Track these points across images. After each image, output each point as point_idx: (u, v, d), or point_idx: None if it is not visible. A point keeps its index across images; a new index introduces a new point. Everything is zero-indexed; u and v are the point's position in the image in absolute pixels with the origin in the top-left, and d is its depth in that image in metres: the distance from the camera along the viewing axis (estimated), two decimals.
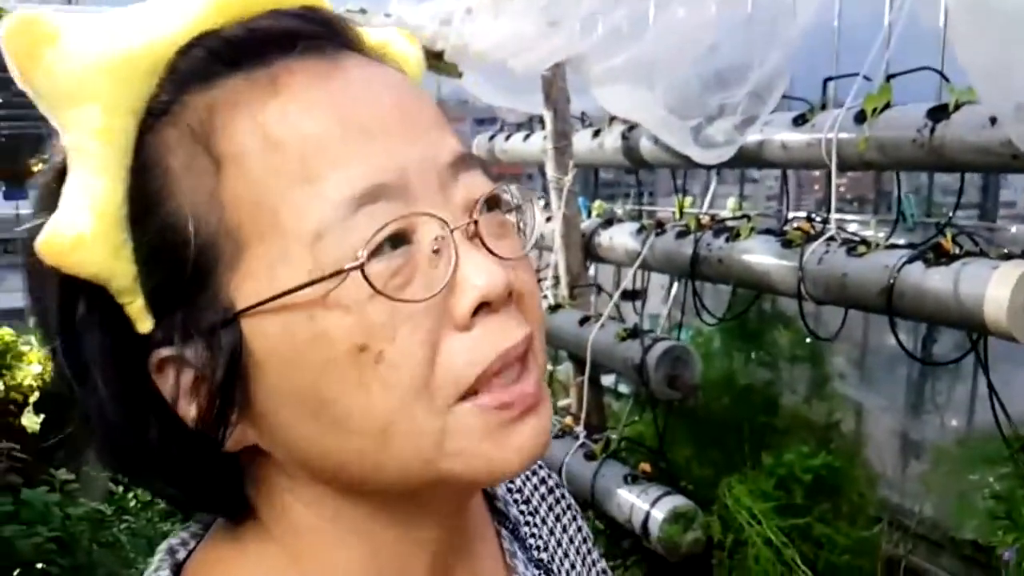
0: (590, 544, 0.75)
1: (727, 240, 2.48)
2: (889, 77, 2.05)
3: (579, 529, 0.74)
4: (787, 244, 2.21)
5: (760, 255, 2.31)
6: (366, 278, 0.44)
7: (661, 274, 3.16)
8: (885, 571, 2.22)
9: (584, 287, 3.20)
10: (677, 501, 2.45)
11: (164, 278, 0.47)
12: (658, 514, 2.44)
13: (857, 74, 2.10)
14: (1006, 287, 1.64)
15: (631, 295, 3.68)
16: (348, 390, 0.45)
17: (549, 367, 3.50)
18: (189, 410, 0.49)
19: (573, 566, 0.70)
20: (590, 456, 2.84)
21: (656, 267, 2.95)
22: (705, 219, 2.74)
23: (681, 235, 2.71)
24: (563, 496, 0.74)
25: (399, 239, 0.46)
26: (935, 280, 1.78)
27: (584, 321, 2.95)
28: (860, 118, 2.05)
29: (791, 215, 2.74)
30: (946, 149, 1.82)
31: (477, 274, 0.46)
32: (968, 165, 1.86)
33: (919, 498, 2.24)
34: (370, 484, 0.49)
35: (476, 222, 0.48)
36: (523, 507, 0.69)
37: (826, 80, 2.24)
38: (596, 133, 3.21)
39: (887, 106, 2.01)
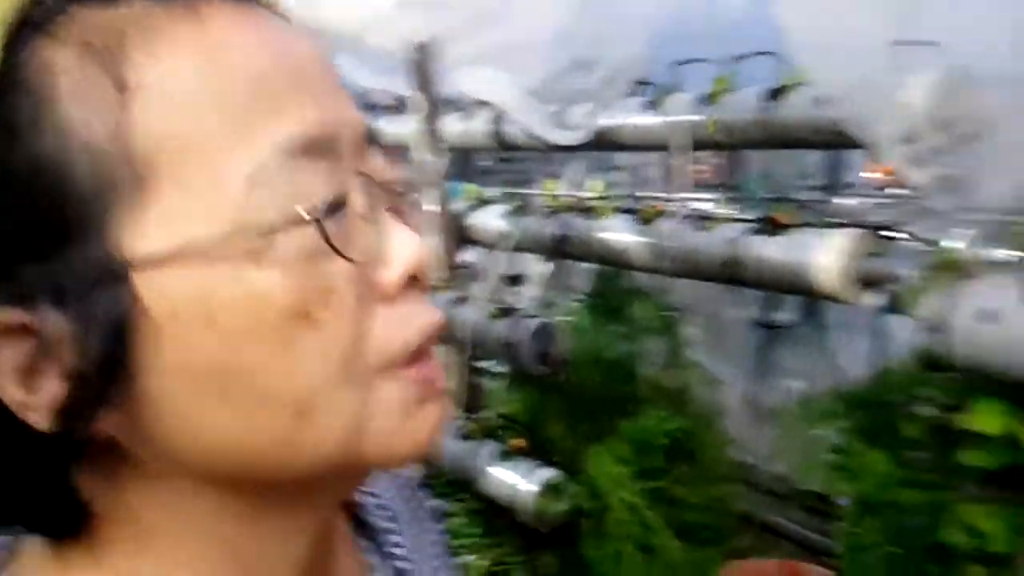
0: (447, 551, 0.72)
1: (589, 219, 2.57)
2: (737, 59, 2.17)
3: (440, 533, 0.71)
4: (642, 221, 2.32)
5: (618, 233, 2.41)
6: (324, 231, 0.40)
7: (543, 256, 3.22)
8: (742, 527, 2.37)
9: (458, 269, 3.23)
10: (547, 473, 2.53)
11: (22, 227, 0.39)
12: (529, 487, 2.52)
13: (705, 59, 2.22)
14: (835, 253, 1.79)
15: (513, 280, 3.76)
16: (271, 360, 0.40)
17: None
18: (17, 393, 0.39)
19: (436, 571, 0.66)
20: (466, 436, 2.89)
21: (526, 248, 3.02)
22: (570, 200, 2.82)
23: (547, 216, 2.79)
24: (424, 499, 0.71)
25: (335, 201, 0.42)
26: (772, 250, 1.91)
27: (458, 302, 2.98)
28: (707, 100, 2.17)
29: (655, 196, 2.87)
30: (783, 128, 1.96)
31: (406, 246, 0.44)
32: (803, 142, 2.00)
33: (768, 457, 2.42)
34: (278, 474, 0.43)
35: (399, 195, 0.46)
36: (383, 513, 0.64)
37: (674, 65, 2.35)
38: (466, 116, 3.24)
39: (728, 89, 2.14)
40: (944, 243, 1.65)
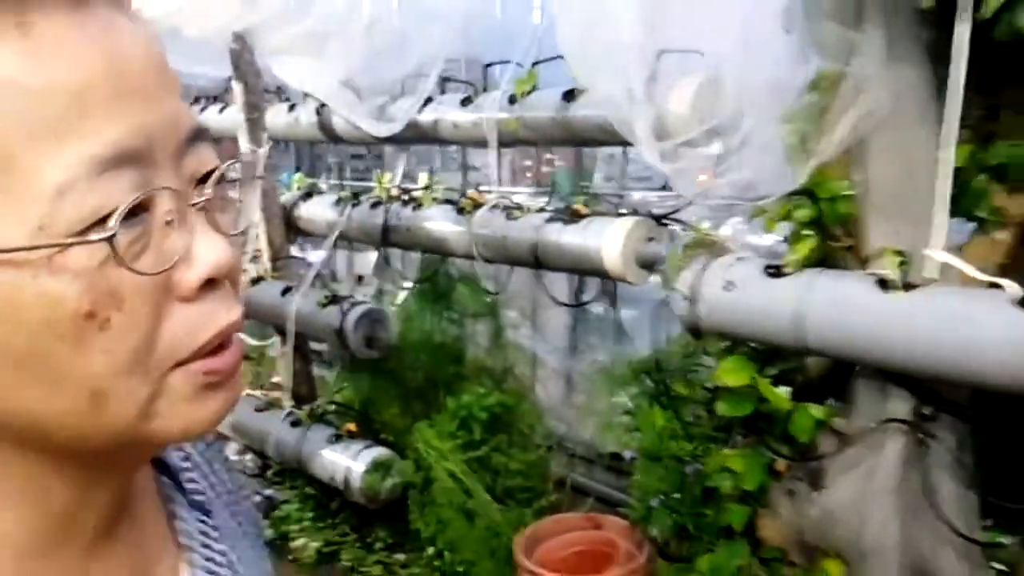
0: (242, 483, 0.78)
1: (413, 210, 2.70)
2: (535, 64, 2.36)
3: (229, 469, 0.77)
4: (460, 212, 2.48)
5: (439, 222, 2.56)
6: (114, 247, 0.43)
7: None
8: (555, 488, 2.59)
9: (286, 259, 3.27)
10: (376, 452, 2.64)
11: None
12: (359, 466, 2.63)
13: (510, 61, 2.39)
14: (618, 238, 2.02)
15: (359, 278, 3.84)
16: (67, 354, 0.44)
17: (259, 343, 3.52)
18: None
19: (230, 503, 0.73)
20: (297, 423, 2.94)
21: (354, 237, 3.11)
22: (396, 192, 2.94)
23: (375, 206, 2.89)
24: (219, 446, 0.79)
25: (138, 207, 0.44)
26: (569, 236, 2.12)
27: (287, 291, 3.03)
28: (512, 100, 2.35)
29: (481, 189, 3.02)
30: (575, 127, 2.17)
31: (208, 250, 0.47)
32: (592, 140, 2.23)
33: (577, 424, 2.65)
34: (80, 445, 0.48)
35: (209, 198, 0.48)
36: (178, 453, 0.70)
37: (486, 66, 2.52)
38: (292, 107, 3.28)
39: (535, 89, 2.33)
40: (702, 227, 1.91)
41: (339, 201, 3.10)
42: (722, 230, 2.15)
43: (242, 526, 0.73)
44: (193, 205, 0.47)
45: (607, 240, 2.01)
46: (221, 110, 3.71)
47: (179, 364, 0.47)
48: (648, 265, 2.01)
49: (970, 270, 1.30)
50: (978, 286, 1.32)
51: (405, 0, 2.13)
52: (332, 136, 3.13)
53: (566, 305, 2.65)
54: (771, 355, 1.74)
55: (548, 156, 4.21)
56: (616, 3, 1.56)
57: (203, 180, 0.49)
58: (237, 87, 3.01)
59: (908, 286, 1.35)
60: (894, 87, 1.47)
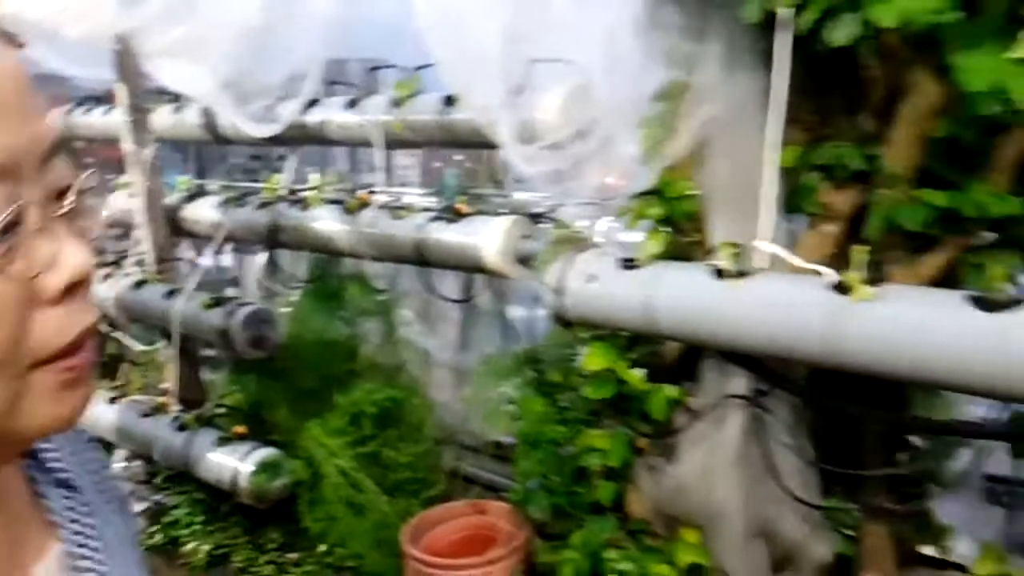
0: (103, 460, 0.82)
1: (301, 210, 2.74)
2: (419, 68, 2.44)
3: (94, 449, 0.81)
4: (347, 212, 2.53)
5: (326, 222, 2.61)
6: None
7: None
8: (447, 479, 2.67)
9: (171, 261, 3.23)
10: (264, 453, 2.66)
11: None
12: (246, 467, 2.64)
13: (394, 65, 2.47)
14: (497, 236, 2.12)
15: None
16: None
17: (147, 347, 3.46)
18: None
19: (96, 481, 0.75)
20: (183, 428, 2.92)
21: (241, 238, 3.10)
22: (284, 192, 2.96)
23: (262, 207, 2.90)
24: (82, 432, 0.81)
25: (13, 221, 0.47)
26: (451, 235, 2.22)
27: (171, 294, 3.00)
28: (397, 103, 2.43)
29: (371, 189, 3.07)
30: (456, 129, 2.26)
31: (73, 256, 0.50)
32: (472, 143, 2.33)
33: (466, 415, 2.74)
34: None
35: (70, 208, 0.52)
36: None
37: (371, 69, 2.59)
38: (178, 108, 3.24)
39: (418, 93, 2.41)
40: (580, 225, 2.04)
41: (225, 202, 3.10)
42: (599, 227, 2.30)
43: (110, 503, 0.76)
44: (56, 214, 0.51)
45: (486, 238, 2.11)
46: (107, 111, 3.63)
47: (41, 363, 0.50)
48: (526, 261, 2.12)
49: (792, 259, 1.46)
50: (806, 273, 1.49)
51: (284, 3, 2.17)
52: (219, 137, 3.12)
53: (452, 301, 2.74)
54: (632, 341, 1.88)
55: (457, 157, 4.31)
56: (482, 15, 1.66)
57: (63, 189, 0.52)
58: (120, 89, 2.97)
59: (740, 274, 1.50)
60: (732, 95, 1.63)
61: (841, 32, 1.30)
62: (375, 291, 2.85)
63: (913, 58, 1.35)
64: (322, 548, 2.56)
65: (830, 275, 1.39)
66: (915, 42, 1.32)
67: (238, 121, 2.54)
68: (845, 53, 1.55)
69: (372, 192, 2.64)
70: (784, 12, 1.42)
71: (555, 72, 1.93)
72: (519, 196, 2.76)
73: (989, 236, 1.56)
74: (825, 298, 1.36)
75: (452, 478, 2.66)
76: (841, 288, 1.37)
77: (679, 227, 1.78)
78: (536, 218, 2.20)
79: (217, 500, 2.91)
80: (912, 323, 1.28)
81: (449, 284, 2.85)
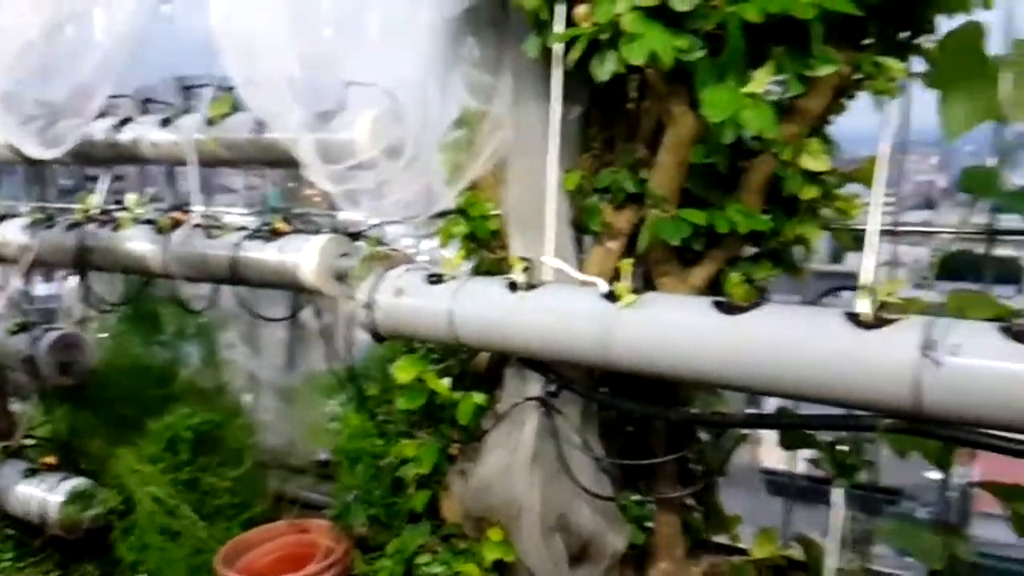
0: None
1: (112, 230, 2.64)
2: (230, 88, 2.43)
3: None
4: (159, 231, 2.47)
5: (138, 243, 2.53)
6: None
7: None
8: (273, 503, 2.65)
9: None
10: (74, 483, 2.54)
11: None
12: (56, 498, 2.51)
13: (208, 84, 2.45)
14: (314, 254, 2.15)
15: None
16: None
17: None
18: None
19: None
20: None
21: (52, 261, 2.95)
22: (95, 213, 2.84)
23: (71, 228, 2.78)
24: None
25: None
26: (268, 253, 2.23)
27: None
28: (210, 122, 2.41)
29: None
30: (270, 148, 2.28)
31: None
32: (287, 162, 2.34)
33: (292, 436, 2.74)
34: None
35: None
36: None
37: (185, 88, 2.55)
38: None
39: (232, 112, 2.41)
40: (390, 242, 2.11)
41: (33, 224, 2.93)
42: (421, 245, 2.38)
43: None
44: None
45: (303, 256, 2.14)
46: None
47: None
48: (343, 278, 2.16)
49: (572, 272, 1.60)
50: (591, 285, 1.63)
51: (74, 18, 2.11)
52: (26, 158, 2.95)
53: (270, 320, 2.73)
54: (445, 353, 1.97)
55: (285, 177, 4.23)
56: (283, 40, 1.71)
57: None
58: None
59: (530, 287, 1.63)
60: (523, 123, 1.76)
61: (603, 68, 1.45)
62: (194, 313, 2.79)
63: (670, 92, 1.53)
64: None
65: (602, 285, 1.54)
66: (670, 77, 1.50)
67: (15, 141, 2.43)
68: (621, 86, 1.73)
69: (187, 211, 2.60)
70: (557, 48, 1.56)
71: (370, 95, 2.00)
72: (344, 216, 2.80)
73: (751, 250, 1.79)
74: (598, 306, 1.51)
75: (277, 500, 2.64)
76: (612, 297, 1.52)
77: (485, 244, 1.89)
78: (356, 236, 2.25)
79: (29, 534, 2.74)
80: (668, 326, 1.44)
81: (278, 304, 2.84)
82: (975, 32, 1.54)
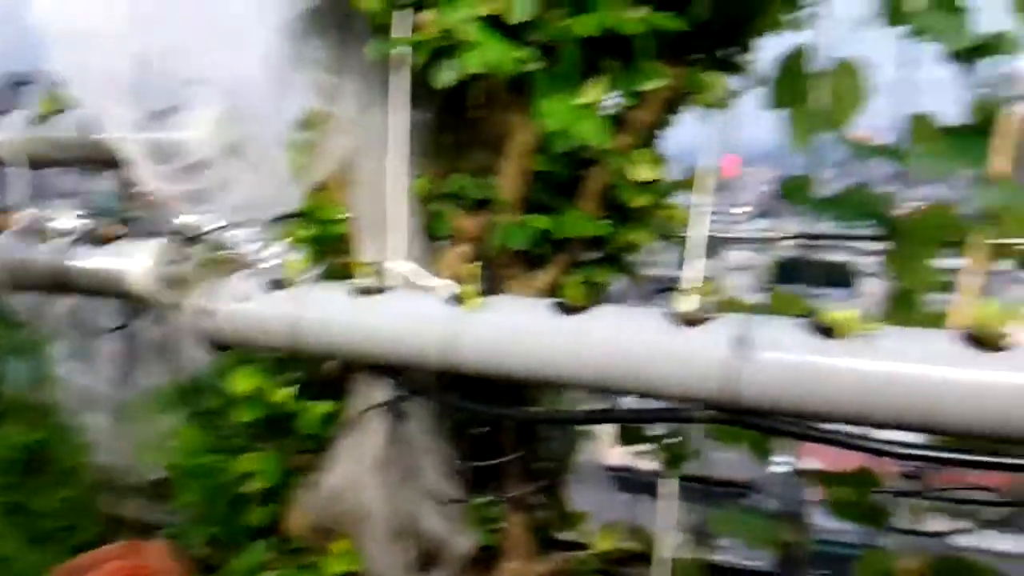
0: None
1: None
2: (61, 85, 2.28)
3: None
4: None
5: None
6: None
7: None
8: (107, 525, 2.48)
9: None
10: None
11: None
12: None
13: (31, 82, 2.29)
14: (146, 260, 2.04)
15: None
16: None
17: None
18: None
19: None
20: None
21: None
22: None
23: None
24: None
25: None
26: (96, 260, 2.09)
27: None
28: (38, 120, 2.25)
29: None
30: (104, 149, 2.15)
31: None
32: (117, 162, 2.22)
33: (127, 454, 2.58)
34: None
35: None
36: None
37: (15, 84, 2.37)
38: None
39: (63, 110, 2.25)
40: (233, 246, 2.03)
41: None
42: (272, 249, 2.30)
43: None
44: None
45: (135, 262, 2.02)
46: None
47: None
48: (179, 285, 2.06)
49: (419, 276, 1.61)
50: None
51: None
52: None
53: (104, 332, 2.57)
54: (291, 361, 1.92)
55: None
56: (115, 36, 1.62)
57: None
58: None
59: (377, 291, 1.62)
60: (369, 127, 1.75)
61: (444, 75, 1.47)
62: (14, 325, 2.58)
63: (510, 101, 1.57)
64: None
65: (448, 288, 1.55)
66: (510, 87, 1.54)
67: None
68: (467, 93, 1.76)
69: (9, 213, 2.40)
70: (397, 54, 1.57)
71: (209, 94, 1.93)
72: (185, 219, 2.68)
73: (595, 254, 1.86)
74: (444, 311, 1.52)
75: (111, 522, 2.47)
76: (459, 300, 1.53)
77: (333, 248, 1.86)
78: (194, 240, 2.15)
79: None
80: (510, 328, 1.47)
81: (116, 314, 2.67)
82: (801, 52, 1.67)
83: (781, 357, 1.21)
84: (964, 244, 1.51)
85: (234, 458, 1.94)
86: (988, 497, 1.51)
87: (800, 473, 1.82)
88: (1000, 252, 1.54)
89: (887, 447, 1.28)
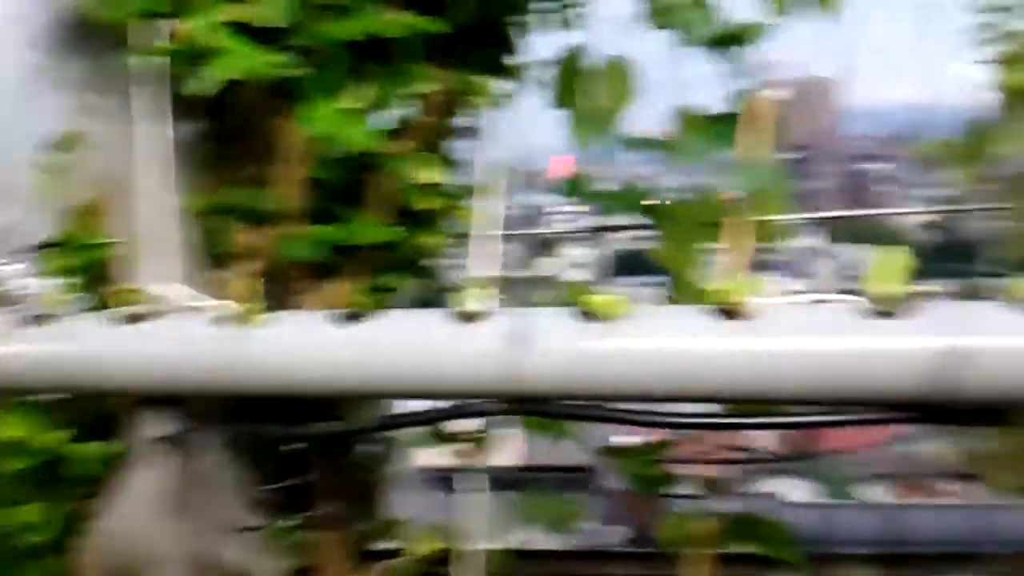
0: None
1: None
2: None
3: None
4: None
5: None
6: None
7: None
8: None
9: None
10: None
11: None
12: None
13: None
14: None
15: None
16: None
17: None
18: None
19: None
20: None
21: None
22: None
23: None
24: None
25: None
26: None
27: None
28: None
29: None
30: None
31: None
32: None
33: None
34: None
35: None
36: None
37: None
38: None
39: None
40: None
41: None
42: (29, 282, 2.11)
43: None
44: None
45: None
46: None
47: None
48: None
49: (188, 298, 1.53)
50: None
51: None
52: None
53: None
54: (65, 401, 1.77)
55: None
56: None
57: None
58: None
59: (150, 318, 1.52)
60: (137, 143, 1.65)
61: (192, 84, 1.41)
62: None
63: (273, 108, 1.53)
64: None
65: (224, 308, 1.49)
66: (273, 93, 1.50)
67: None
68: (233, 102, 1.69)
69: None
70: (145, 64, 1.49)
71: None
72: None
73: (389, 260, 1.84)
74: (217, 332, 1.45)
75: None
76: (236, 319, 1.47)
77: (101, 276, 1.73)
78: None
79: None
80: (293, 343, 1.43)
81: None
82: (576, 52, 1.73)
83: (553, 344, 1.25)
84: (722, 226, 1.63)
85: (10, 511, 1.77)
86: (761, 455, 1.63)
87: (600, 452, 1.90)
88: (760, 232, 1.68)
89: (667, 419, 1.36)
